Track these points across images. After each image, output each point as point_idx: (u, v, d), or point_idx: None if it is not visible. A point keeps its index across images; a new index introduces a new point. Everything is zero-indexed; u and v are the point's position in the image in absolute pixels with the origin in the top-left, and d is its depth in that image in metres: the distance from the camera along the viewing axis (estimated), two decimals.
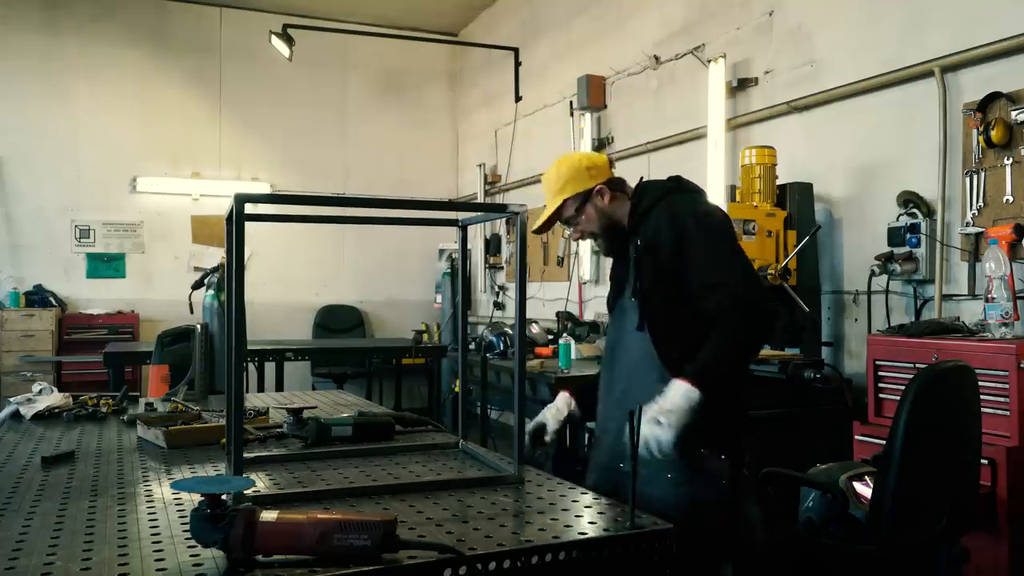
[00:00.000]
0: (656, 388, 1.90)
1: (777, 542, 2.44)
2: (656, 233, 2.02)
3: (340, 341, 7.87)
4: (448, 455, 2.04)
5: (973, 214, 3.46)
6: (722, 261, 1.96)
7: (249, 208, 1.52)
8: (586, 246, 6.15)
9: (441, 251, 8.25)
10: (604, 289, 3.43)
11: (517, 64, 7.53)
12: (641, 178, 2.24)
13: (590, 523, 1.43)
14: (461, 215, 2.16)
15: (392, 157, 8.59)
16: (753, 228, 3.74)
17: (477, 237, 8.08)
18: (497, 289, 7.97)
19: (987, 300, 3.02)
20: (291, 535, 1.18)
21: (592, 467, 2.21)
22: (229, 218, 1.70)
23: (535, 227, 2.19)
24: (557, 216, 2.17)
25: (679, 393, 1.81)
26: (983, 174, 3.43)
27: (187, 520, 1.25)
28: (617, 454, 1.99)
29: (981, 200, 3.43)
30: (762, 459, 2.91)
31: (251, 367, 5.91)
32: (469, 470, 1.89)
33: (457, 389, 6.41)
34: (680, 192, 2.12)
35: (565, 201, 2.13)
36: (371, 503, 1.57)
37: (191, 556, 1.22)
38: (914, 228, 3.63)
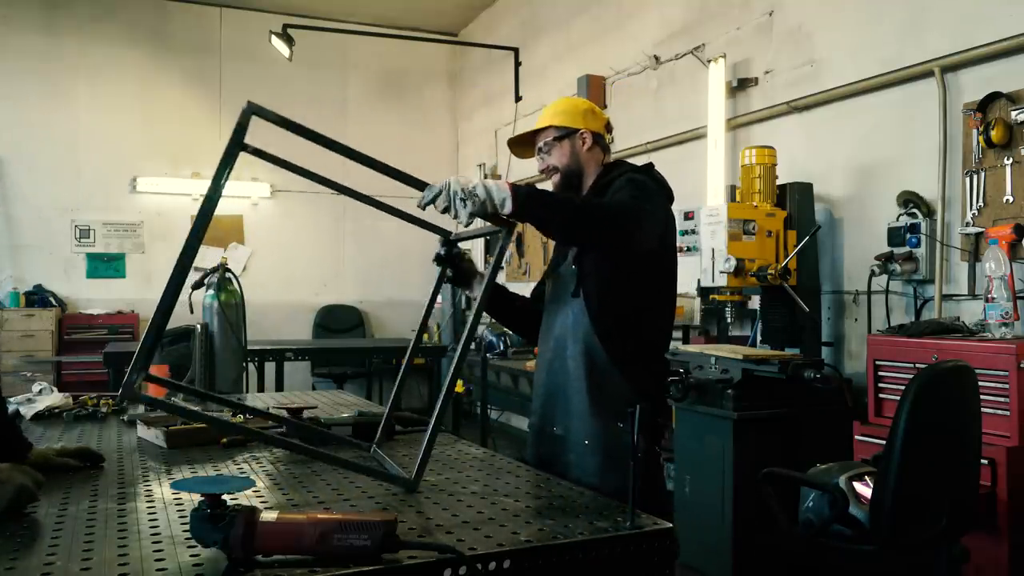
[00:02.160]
0: (577, 357, 2.02)
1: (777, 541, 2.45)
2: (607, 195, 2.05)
3: (340, 341, 7.87)
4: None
5: (973, 214, 3.46)
6: (638, 201, 1.94)
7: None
8: None
9: None
10: None
11: (517, 64, 7.53)
12: (614, 158, 2.25)
13: (590, 523, 1.43)
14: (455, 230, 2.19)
15: (392, 157, 8.20)
16: (753, 228, 3.75)
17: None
18: None
19: (987, 300, 3.02)
20: (291, 535, 1.18)
21: (529, 430, 2.27)
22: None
23: (512, 137, 2.25)
24: (535, 137, 2.20)
25: (497, 184, 1.83)
26: (983, 174, 3.43)
27: (187, 520, 1.25)
28: (548, 418, 2.13)
29: (981, 200, 3.43)
30: (762, 459, 2.92)
31: (251, 367, 5.91)
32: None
33: (459, 388, 6.42)
34: (644, 175, 2.11)
35: (550, 127, 2.17)
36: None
37: (191, 556, 1.22)
38: (914, 228, 3.63)
